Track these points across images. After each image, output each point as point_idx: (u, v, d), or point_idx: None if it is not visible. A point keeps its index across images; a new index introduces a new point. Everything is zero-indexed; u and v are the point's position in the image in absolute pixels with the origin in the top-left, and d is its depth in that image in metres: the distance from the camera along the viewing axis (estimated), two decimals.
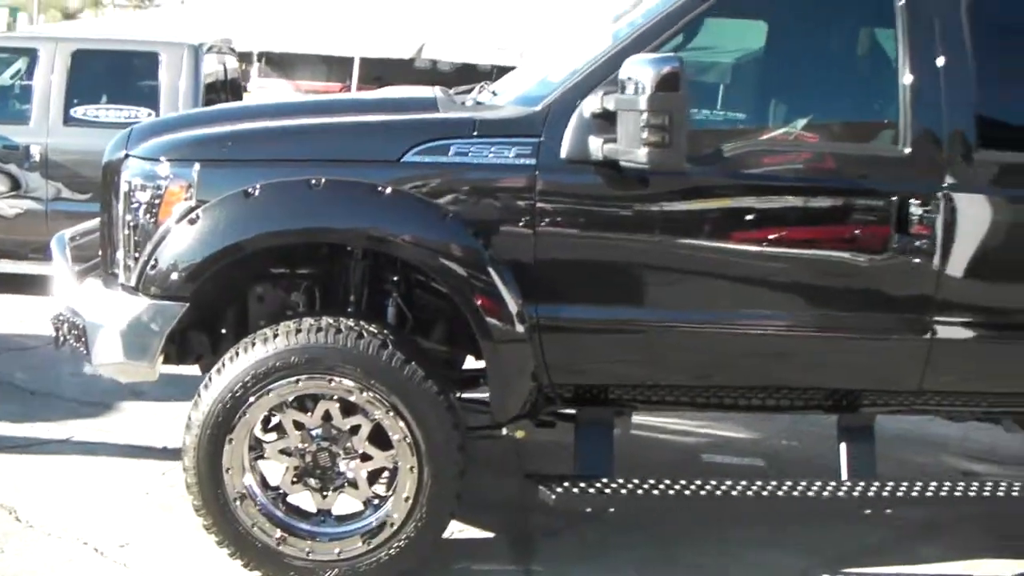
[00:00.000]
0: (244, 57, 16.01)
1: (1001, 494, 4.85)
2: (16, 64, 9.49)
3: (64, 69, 8.80)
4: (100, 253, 4.81)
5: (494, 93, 5.06)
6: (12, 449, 5.75)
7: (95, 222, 5.10)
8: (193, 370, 4.93)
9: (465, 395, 4.90)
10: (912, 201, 4.46)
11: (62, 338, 4.79)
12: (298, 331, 4.27)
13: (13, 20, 40.49)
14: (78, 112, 8.80)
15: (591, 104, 4.26)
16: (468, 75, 14.91)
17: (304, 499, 4.52)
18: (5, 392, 6.64)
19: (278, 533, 4.39)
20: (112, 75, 9.18)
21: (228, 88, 9.87)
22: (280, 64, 19.28)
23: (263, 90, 17.99)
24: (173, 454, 5.29)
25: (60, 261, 5.05)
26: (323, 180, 4.25)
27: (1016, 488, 4.88)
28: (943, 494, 4.82)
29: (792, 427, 6.78)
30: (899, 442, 6.73)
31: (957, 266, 4.59)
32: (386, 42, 16.16)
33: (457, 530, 5.04)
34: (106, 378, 5.03)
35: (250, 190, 4.25)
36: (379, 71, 16.46)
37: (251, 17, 17.77)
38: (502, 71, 12.55)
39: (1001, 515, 5.67)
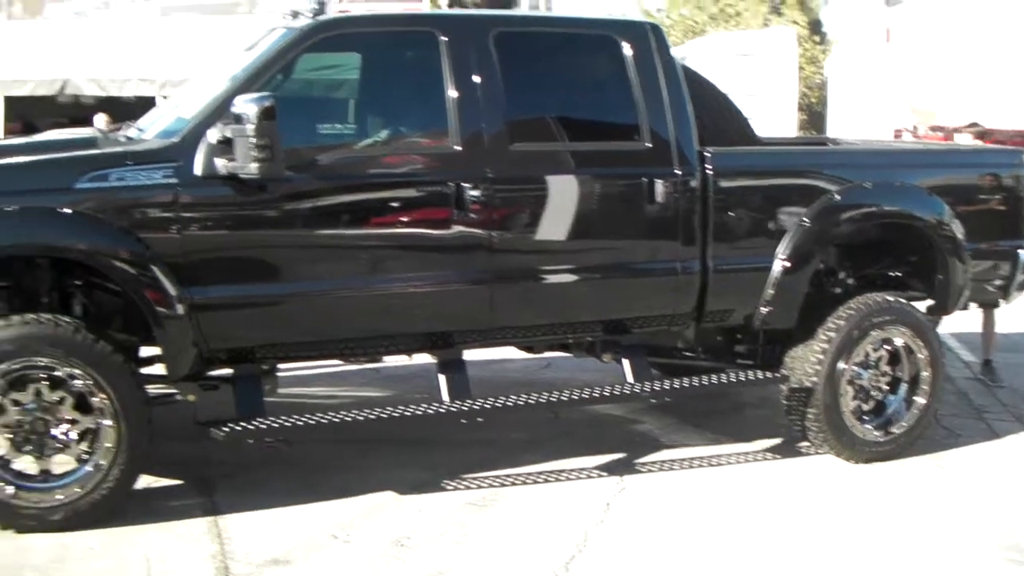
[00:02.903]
0: None
1: (563, 400, 6.29)
2: None
3: None
4: None
5: (140, 130, 6.12)
6: None
7: None
8: None
9: (144, 371, 5.92)
10: (465, 185, 5.83)
11: None
12: (8, 326, 5.26)
13: None
14: None
15: (215, 133, 5.41)
16: (111, 106, 15.33)
17: (27, 463, 5.41)
18: None
19: (11, 490, 5.32)
20: None
21: None
22: None
23: None
24: None
25: None
26: (15, 206, 5.25)
27: (576, 394, 6.32)
28: (521, 403, 6.18)
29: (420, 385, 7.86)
30: (508, 385, 8.04)
31: (504, 230, 5.97)
32: (30, 82, 16.36)
33: (153, 481, 6.04)
34: None
35: None
36: (20, 109, 16.66)
37: None
38: (144, 101, 13.21)
39: (594, 434, 7.11)
